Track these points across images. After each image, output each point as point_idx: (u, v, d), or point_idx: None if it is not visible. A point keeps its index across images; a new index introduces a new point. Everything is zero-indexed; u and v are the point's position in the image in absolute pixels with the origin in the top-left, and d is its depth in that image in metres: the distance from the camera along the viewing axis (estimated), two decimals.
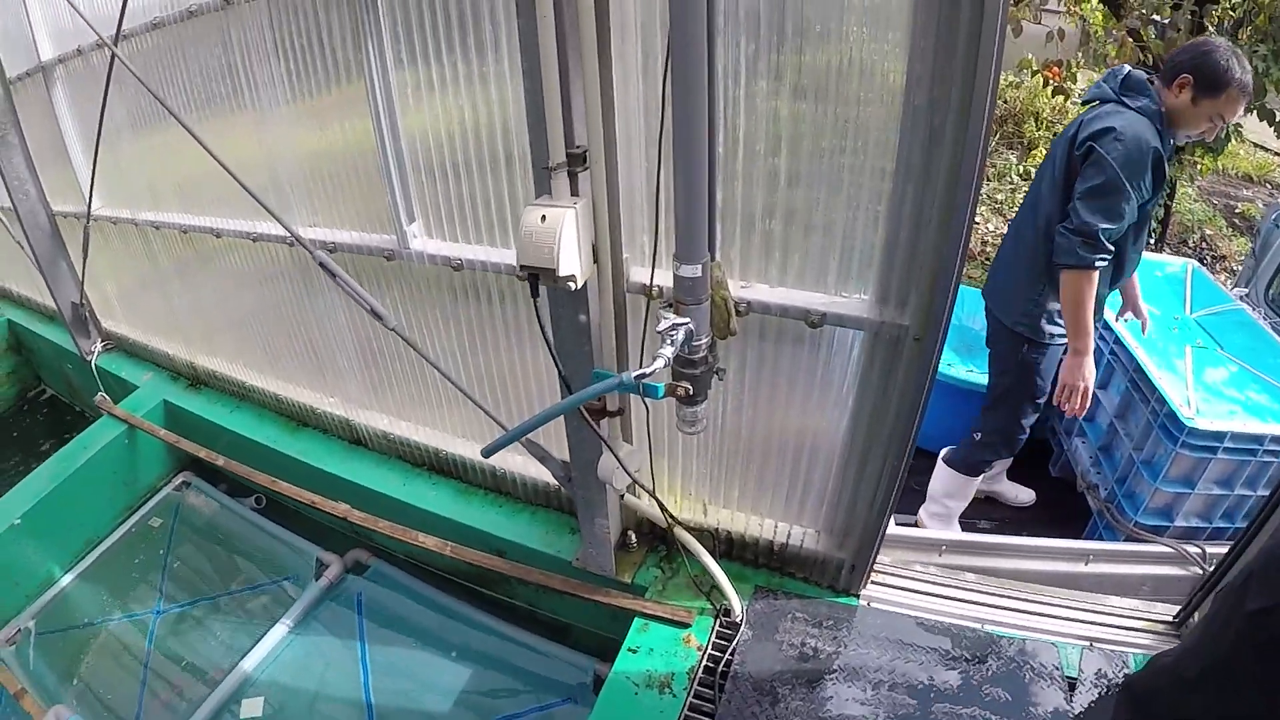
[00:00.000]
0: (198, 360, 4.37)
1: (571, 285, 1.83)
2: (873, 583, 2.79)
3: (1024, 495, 4.10)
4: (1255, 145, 10.12)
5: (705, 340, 1.86)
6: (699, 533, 2.69)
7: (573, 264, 1.81)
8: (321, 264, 1.99)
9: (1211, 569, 3.30)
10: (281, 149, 2.96)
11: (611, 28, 1.76)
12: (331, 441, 3.82)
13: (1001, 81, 9.84)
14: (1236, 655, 1.57)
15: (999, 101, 9.77)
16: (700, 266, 1.75)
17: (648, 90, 1.91)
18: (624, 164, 1.96)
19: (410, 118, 2.46)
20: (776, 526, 2.70)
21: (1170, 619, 2.97)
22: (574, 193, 1.84)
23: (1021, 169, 8.91)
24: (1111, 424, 3.76)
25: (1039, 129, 9.38)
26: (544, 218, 1.75)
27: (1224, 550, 3.37)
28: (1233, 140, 5.94)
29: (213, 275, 3.82)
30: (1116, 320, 3.61)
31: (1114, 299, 3.53)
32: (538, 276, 1.84)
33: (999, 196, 8.43)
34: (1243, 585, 1.54)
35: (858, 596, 2.75)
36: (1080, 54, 6.17)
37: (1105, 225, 2.78)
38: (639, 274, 2.16)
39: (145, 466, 4.32)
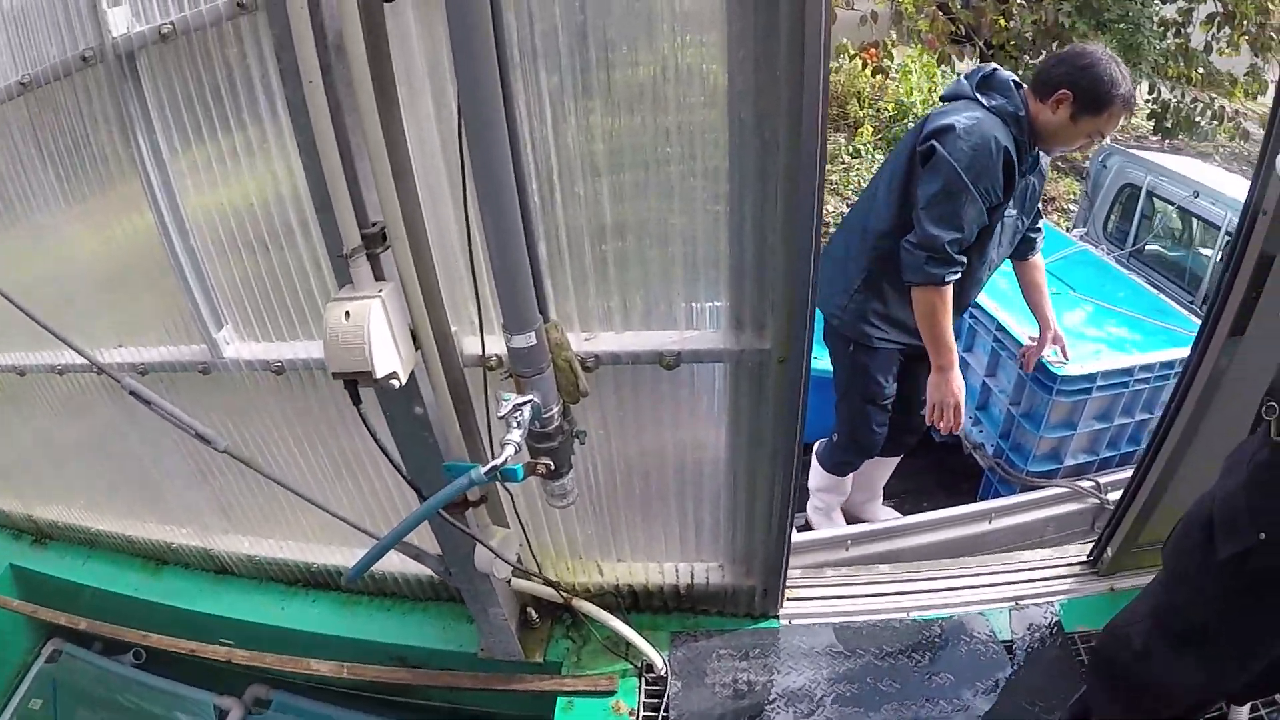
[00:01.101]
0: (35, 512, 3.93)
1: (395, 383, 1.63)
2: (789, 600, 2.72)
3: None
4: None
5: (556, 409, 1.73)
6: (600, 595, 2.56)
7: (390, 360, 1.61)
8: (132, 392, 1.75)
9: (1109, 497, 3.45)
10: (67, 263, 2.63)
11: (397, 80, 1.58)
12: (196, 577, 3.50)
13: None
14: (1226, 603, 1.59)
15: None
16: (533, 334, 1.61)
17: (447, 144, 1.74)
18: (434, 230, 1.78)
19: (196, 203, 2.19)
20: (678, 569, 2.58)
21: (1085, 558, 3.03)
22: (378, 276, 1.64)
23: (851, 148, 9.11)
24: (984, 383, 3.79)
25: (862, 108, 9.62)
26: (348, 314, 1.55)
27: (1116, 477, 3.54)
28: None
29: (28, 417, 3.43)
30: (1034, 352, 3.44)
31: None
32: (356, 381, 1.63)
33: (833, 178, 8.54)
34: (1207, 539, 1.55)
35: (778, 618, 2.68)
36: (893, 32, 6.34)
37: (951, 235, 2.59)
38: (473, 345, 1.98)
39: (7, 645, 3.88)
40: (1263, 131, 6.26)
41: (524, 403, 1.61)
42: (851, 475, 3.57)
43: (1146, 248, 4.74)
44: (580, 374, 1.74)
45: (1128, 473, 3.57)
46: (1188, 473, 2.57)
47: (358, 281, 1.61)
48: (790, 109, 1.54)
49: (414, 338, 1.72)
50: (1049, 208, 8.78)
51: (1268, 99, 6.96)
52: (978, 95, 2.64)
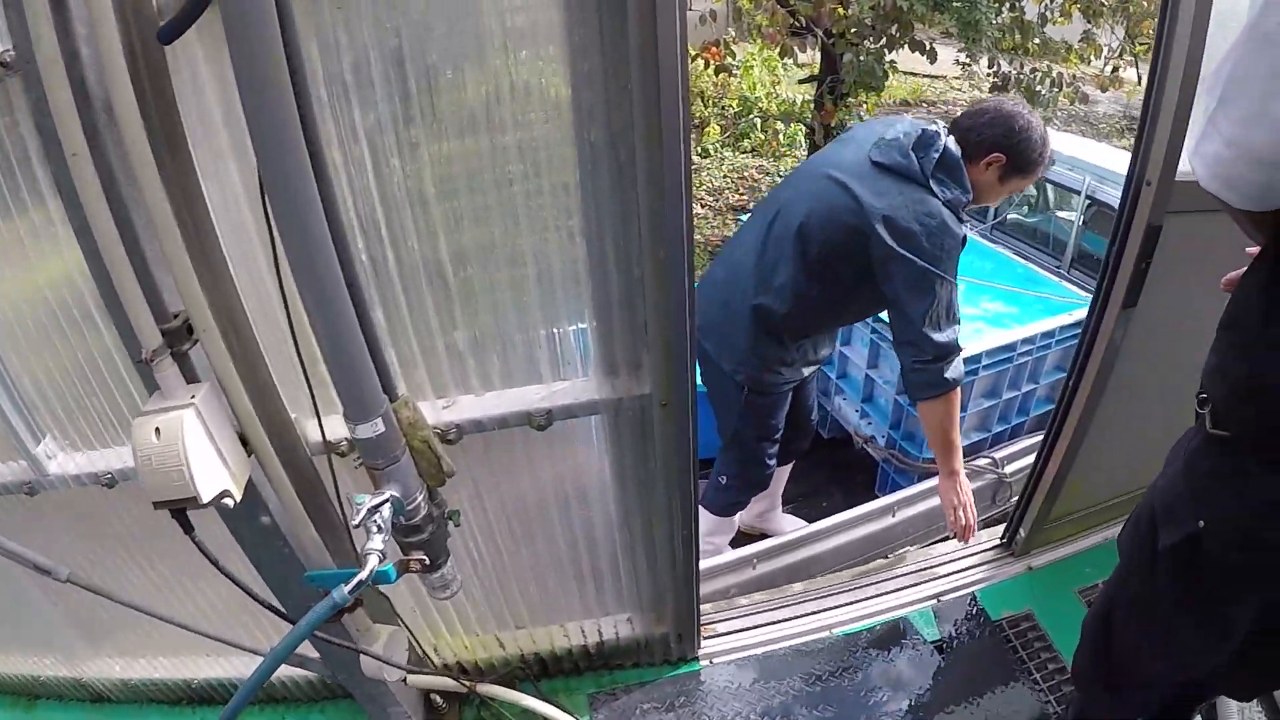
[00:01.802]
0: None
1: (229, 502, 1.36)
2: (706, 639, 2.58)
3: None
4: (905, 73, 10.87)
5: (420, 497, 1.51)
6: (506, 669, 2.35)
7: (218, 477, 1.32)
8: None
9: (1006, 470, 3.50)
10: None
11: (190, 137, 1.28)
12: (71, 710, 3.11)
13: None
14: (1175, 591, 1.58)
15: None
16: (380, 420, 1.38)
17: (257, 209, 1.41)
18: (256, 308, 1.50)
19: None
20: (584, 628, 2.38)
21: (999, 541, 3.00)
22: (190, 378, 1.37)
23: (700, 149, 9.10)
24: (867, 376, 3.73)
25: (706, 107, 9.64)
26: (158, 431, 1.26)
27: (1011, 450, 3.61)
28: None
29: None
30: None
31: None
32: (183, 509, 1.33)
33: None
34: (1152, 529, 1.54)
35: (697, 659, 2.53)
36: (732, 29, 6.31)
37: (956, 329, 2.54)
38: (318, 429, 1.69)
39: None
40: (1101, 92, 6.57)
41: (381, 502, 1.39)
42: (737, 518, 3.42)
43: (1008, 219, 4.78)
44: (442, 454, 1.53)
45: (1021, 444, 3.64)
46: (1092, 446, 2.55)
47: (166, 389, 1.33)
48: (647, 129, 1.37)
49: (244, 442, 1.45)
50: None
51: (1099, 63, 7.26)
52: (931, 182, 2.43)
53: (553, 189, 1.50)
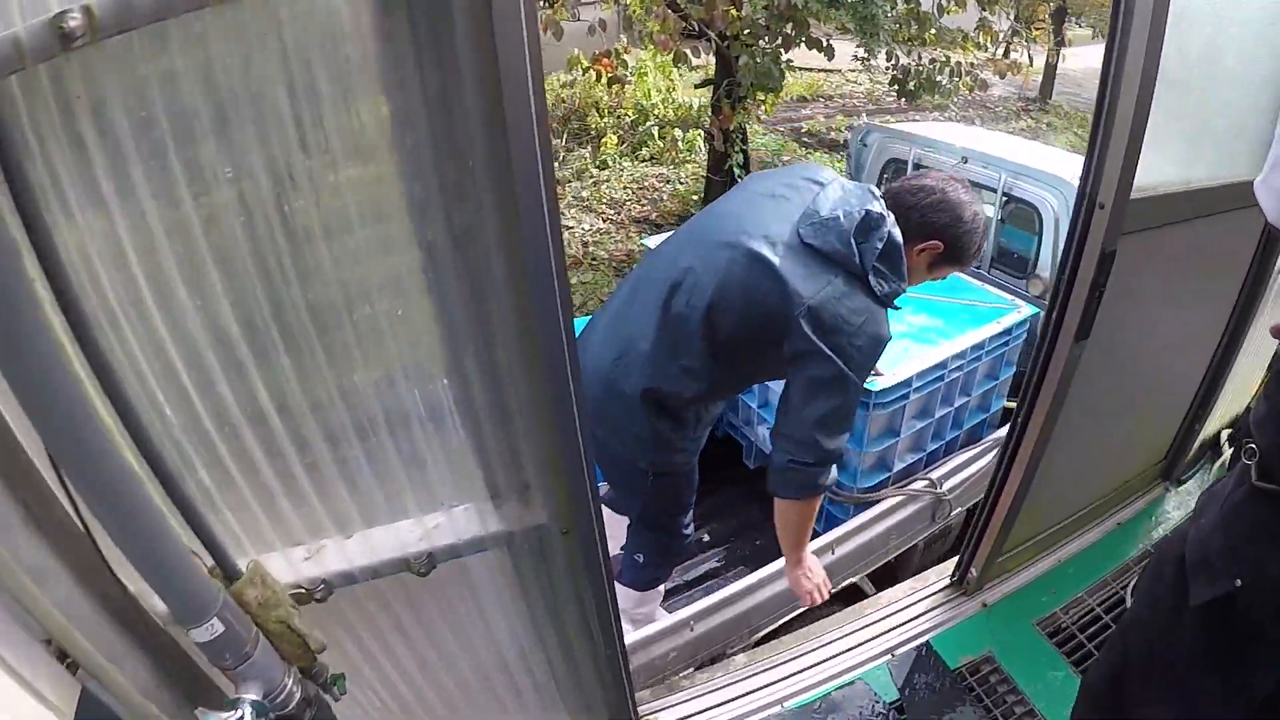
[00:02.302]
0: None
1: None
2: None
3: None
4: (801, 69, 10.80)
5: (289, 683, 1.19)
6: None
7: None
8: None
9: (945, 488, 3.36)
10: None
11: None
12: None
13: (556, 82, 10.03)
14: (1199, 648, 1.50)
15: (559, 101, 9.93)
16: (216, 619, 1.07)
17: None
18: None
19: None
20: None
21: (949, 580, 2.87)
22: None
23: (598, 161, 8.89)
24: None
25: (602, 117, 9.42)
26: None
27: (949, 468, 3.48)
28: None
29: None
30: None
31: None
32: None
33: (584, 194, 8.32)
34: (1179, 581, 1.47)
35: None
36: (624, 37, 6.09)
37: (846, 439, 2.27)
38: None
39: None
40: (999, 79, 6.50)
41: (234, 716, 1.07)
42: (660, 590, 3.13)
43: None
44: (306, 632, 1.21)
45: (957, 459, 3.47)
46: (1044, 476, 2.41)
47: None
48: (501, 223, 1.09)
49: (62, 657, 1.10)
50: None
51: (996, 49, 7.23)
52: (870, 276, 2.13)
53: (388, 308, 1.19)
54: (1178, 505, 3.46)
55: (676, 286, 2.22)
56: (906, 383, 3.07)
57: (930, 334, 3.37)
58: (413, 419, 1.29)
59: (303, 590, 1.29)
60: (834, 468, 2.29)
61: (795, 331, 2.07)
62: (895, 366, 3.08)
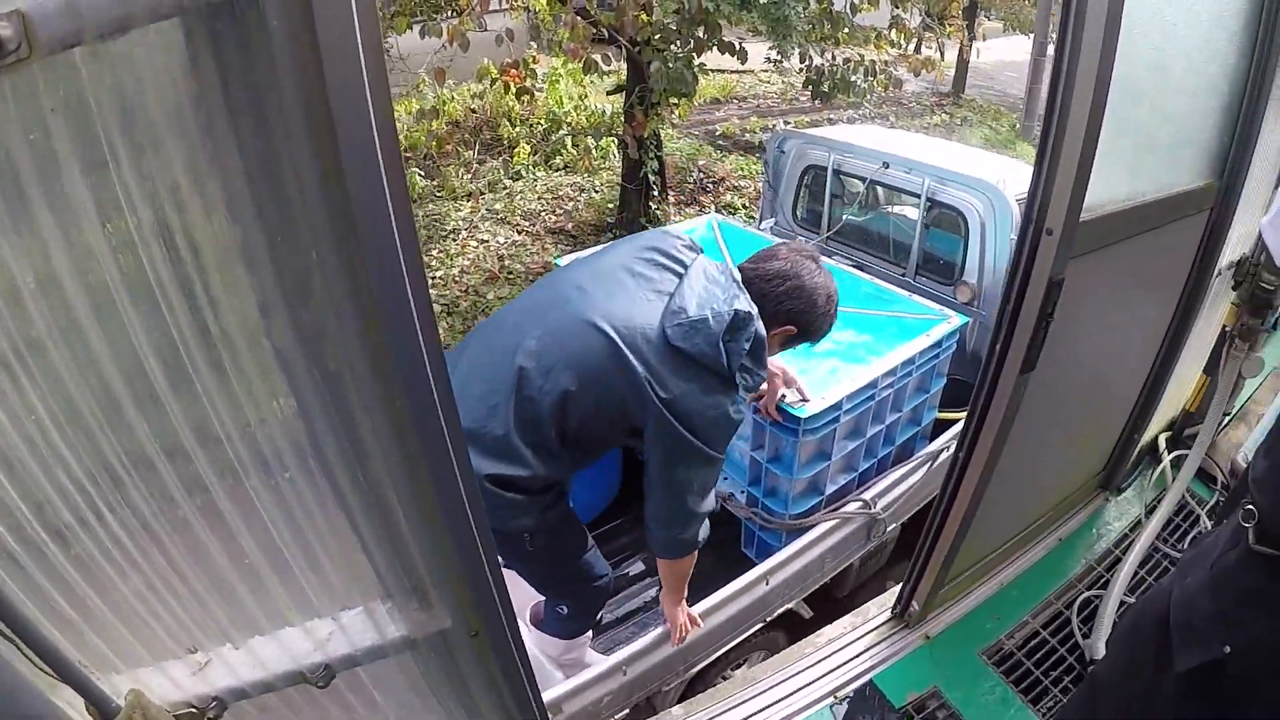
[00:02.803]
0: None
1: None
2: None
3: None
4: (714, 70, 10.69)
5: None
6: None
7: None
8: None
9: (878, 508, 3.24)
10: None
11: None
12: None
13: (466, 92, 9.76)
14: (1180, 712, 1.43)
15: (469, 111, 9.66)
16: None
17: None
18: None
19: None
20: None
21: (890, 613, 2.79)
22: None
23: (512, 171, 8.67)
24: None
25: (514, 127, 9.19)
26: None
27: (881, 487, 3.34)
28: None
29: None
30: (769, 399, 2.91)
31: None
32: None
33: (498, 206, 8.10)
34: (1161, 643, 1.41)
35: None
36: (533, 45, 5.88)
37: (714, 496, 2.30)
38: None
39: None
40: (914, 76, 6.45)
41: None
42: (589, 633, 2.97)
43: (845, 227, 4.48)
44: None
45: (890, 477, 3.33)
46: (986, 508, 2.30)
47: None
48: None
49: None
50: (723, 187, 8.75)
51: (909, 46, 7.18)
52: (737, 373, 2.06)
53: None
54: (1118, 515, 3.38)
55: (524, 373, 2.05)
56: (836, 406, 2.90)
57: (858, 351, 3.21)
58: (278, 518, 1.07)
59: (194, 709, 1.09)
60: (707, 523, 2.31)
61: (653, 419, 2.03)
62: (824, 390, 2.90)
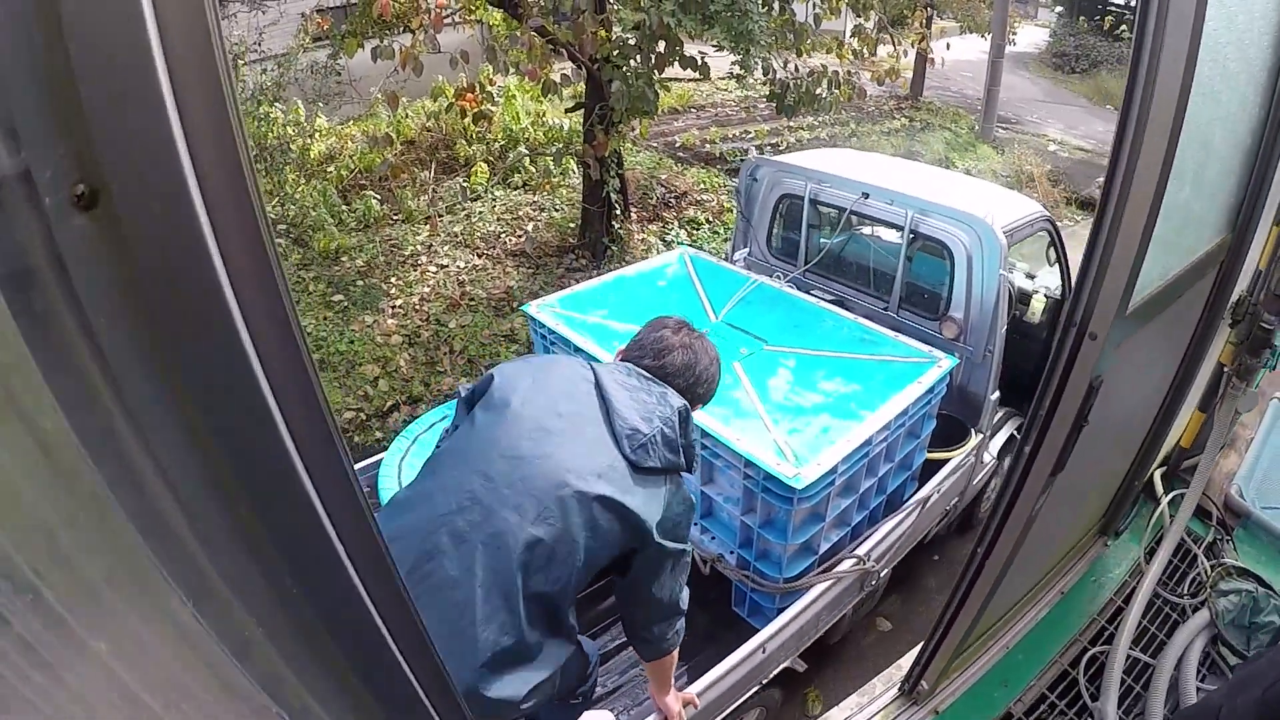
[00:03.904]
0: None
1: None
2: None
3: None
4: (671, 80, 10.56)
5: None
6: None
7: None
8: None
9: (872, 561, 3.12)
10: None
11: None
12: None
13: (420, 110, 9.49)
14: None
15: (424, 130, 9.39)
16: None
17: None
18: None
19: None
20: None
21: (897, 692, 2.65)
22: None
23: (470, 191, 8.44)
24: (703, 493, 3.16)
25: (471, 145, 8.96)
26: None
27: (874, 540, 3.19)
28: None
29: None
30: None
31: None
32: None
33: (457, 229, 7.87)
34: None
35: None
36: (490, 66, 5.67)
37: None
38: None
39: None
40: (878, 85, 6.34)
41: None
42: None
43: (824, 259, 4.31)
44: None
45: (882, 529, 3.19)
46: (1002, 593, 2.19)
47: None
48: None
49: None
50: (684, 202, 8.59)
51: (875, 55, 7.05)
52: (677, 459, 2.06)
53: None
54: (1117, 561, 3.27)
55: (479, 552, 1.84)
56: (832, 471, 2.74)
57: (848, 404, 3.05)
58: None
59: None
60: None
61: (651, 549, 2.00)
62: (817, 454, 2.74)
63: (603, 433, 2.00)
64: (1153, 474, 3.44)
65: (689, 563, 2.18)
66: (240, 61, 6.38)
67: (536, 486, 1.88)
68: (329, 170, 8.44)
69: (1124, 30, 17.07)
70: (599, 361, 2.33)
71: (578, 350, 3.40)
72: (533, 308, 3.64)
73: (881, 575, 3.26)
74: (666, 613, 2.16)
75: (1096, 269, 1.35)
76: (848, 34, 6.98)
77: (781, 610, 2.92)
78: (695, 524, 3.26)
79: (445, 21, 5.81)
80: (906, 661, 2.76)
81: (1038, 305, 4.00)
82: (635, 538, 1.96)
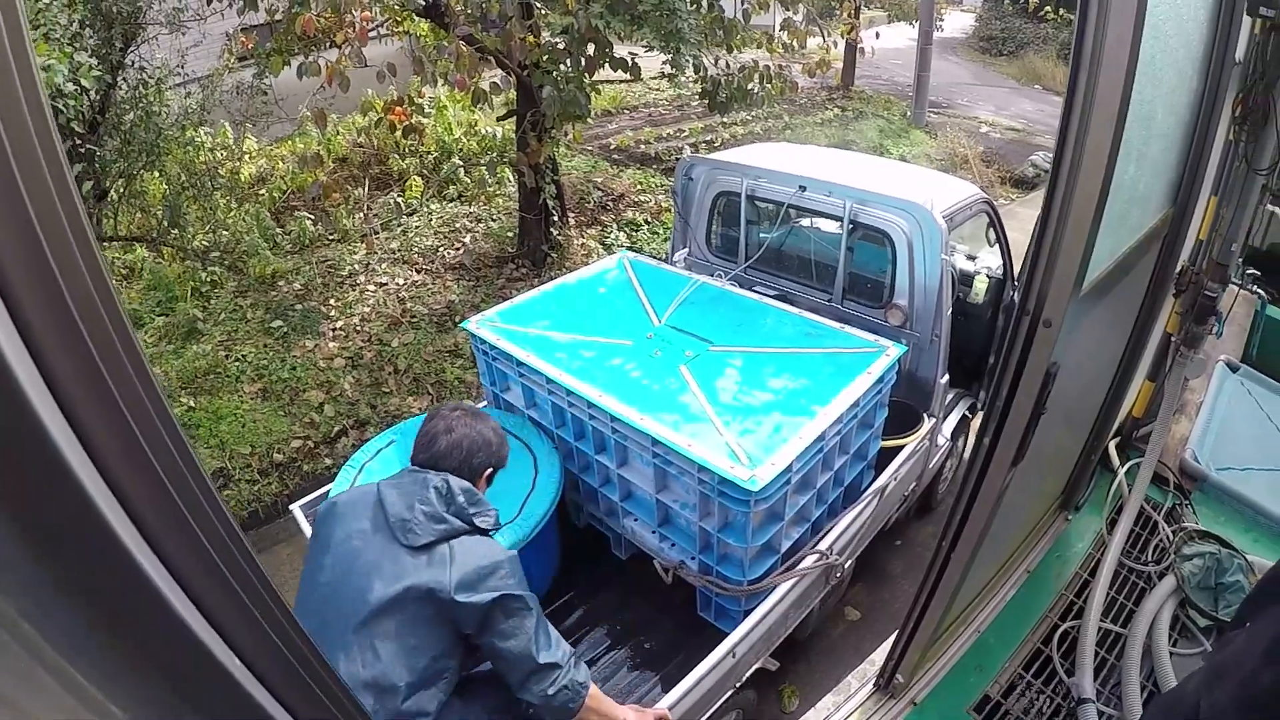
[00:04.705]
0: None
1: None
2: None
3: None
4: (603, 82, 10.49)
5: None
6: None
7: None
8: None
9: (835, 553, 3.08)
10: None
11: None
12: None
13: (350, 127, 9.32)
14: None
15: (356, 146, 9.24)
16: None
17: None
18: None
19: None
20: None
21: (872, 687, 2.66)
22: None
23: (405, 206, 8.32)
24: (659, 500, 3.09)
25: (404, 159, 8.83)
26: None
27: (836, 534, 3.14)
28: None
29: None
30: None
31: None
32: None
33: (394, 245, 7.77)
34: None
35: None
36: (418, 77, 5.56)
37: (561, 640, 2.28)
38: None
39: None
40: (810, 78, 6.35)
41: None
42: None
43: (765, 254, 4.28)
44: None
45: (842, 522, 3.15)
46: (972, 580, 2.24)
47: None
48: None
49: None
50: (623, 204, 8.54)
51: (808, 46, 7.04)
52: (476, 520, 2.27)
53: None
54: (1080, 534, 3.28)
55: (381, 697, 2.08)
56: (787, 469, 2.69)
57: (799, 401, 3.00)
58: None
59: None
60: (578, 662, 2.29)
61: (463, 609, 2.11)
62: (771, 454, 2.69)
63: (385, 535, 2.18)
64: (1108, 445, 3.46)
65: (541, 621, 2.23)
66: (164, 86, 6.16)
67: (351, 624, 2.10)
68: (261, 193, 8.24)
69: (1048, 11, 17.38)
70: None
71: (520, 365, 3.34)
72: (473, 324, 3.55)
73: (846, 567, 3.22)
74: (530, 666, 2.18)
75: (1048, 255, 1.32)
76: (777, 28, 6.95)
77: (748, 612, 2.87)
78: (654, 532, 3.21)
79: (371, 35, 5.69)
80: (880, 655, 2.74)
81: (980, 286, 3.99)
82: (443, 606, 2.09)
